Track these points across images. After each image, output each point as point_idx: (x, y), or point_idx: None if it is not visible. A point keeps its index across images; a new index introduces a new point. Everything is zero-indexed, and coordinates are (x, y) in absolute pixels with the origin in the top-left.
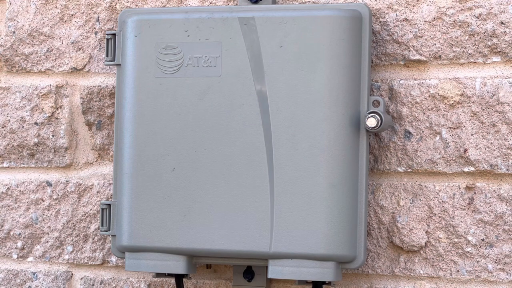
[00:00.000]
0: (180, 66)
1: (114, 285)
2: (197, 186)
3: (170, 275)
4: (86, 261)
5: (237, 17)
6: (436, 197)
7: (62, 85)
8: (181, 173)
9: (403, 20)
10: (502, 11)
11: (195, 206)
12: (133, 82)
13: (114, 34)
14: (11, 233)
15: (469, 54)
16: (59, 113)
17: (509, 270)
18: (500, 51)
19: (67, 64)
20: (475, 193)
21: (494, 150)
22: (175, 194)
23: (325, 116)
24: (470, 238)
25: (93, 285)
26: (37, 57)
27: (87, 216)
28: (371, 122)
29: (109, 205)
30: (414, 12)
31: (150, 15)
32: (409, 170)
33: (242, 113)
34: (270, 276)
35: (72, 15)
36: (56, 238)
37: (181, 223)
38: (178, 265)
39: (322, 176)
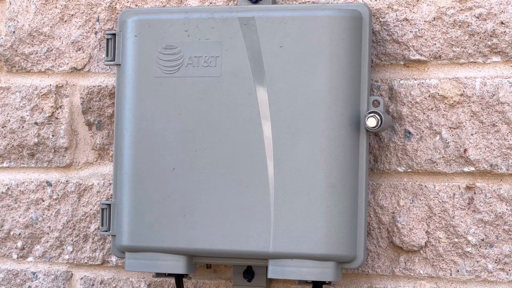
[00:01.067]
0: (180, 66)
1: (114, 285)
2: (197, 186)
3: (170, 275)
4: (86, 261)
5: (237, 17)
6: (436, 197)
7: (62, 85)
8: (181, 173)
9: (403, 20)
10: (502, 11)
11: (195, 206)
12: (133, 82)
13: (114, 34)
14: (11, 233)
15: (469, 54)
16: (59, 113)
17: (509, 270)
18: (500, 51)
19: (67, 64)
20: (475, 193)
21: (494, 150)
22: (175, 194)
23: (325, 116)
24: (470, 238)
25: (93, 285)
26: (37, 57)
27: (87, 216)
28: (371, 122)
29: (109, 205)
30: (414, 12)
31: (150, 15)
32: (409, 170)
33: (242, 113)
34: (270, 276)
35: (72, 15)
36: (56, 238)
37: (181, 223)
38: (178, 265)
39: (322, 176)
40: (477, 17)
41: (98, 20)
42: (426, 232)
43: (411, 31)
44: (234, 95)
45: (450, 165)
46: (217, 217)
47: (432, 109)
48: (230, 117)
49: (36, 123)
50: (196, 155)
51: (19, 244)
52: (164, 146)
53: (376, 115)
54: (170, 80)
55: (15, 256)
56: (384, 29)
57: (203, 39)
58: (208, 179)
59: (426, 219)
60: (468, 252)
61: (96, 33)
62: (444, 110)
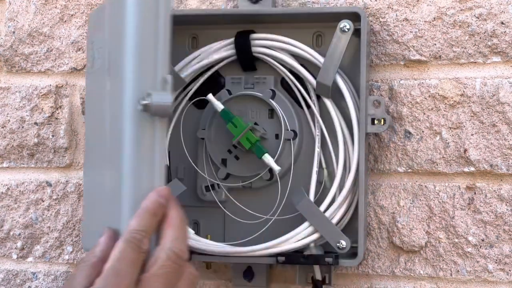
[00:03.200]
0: None
1: None
2: None
3: None
4: None
5: None
6: (436, 197)
7: (62, 85)
8: None
9: (403, 20)
10: (502, 11)
11: None
12: None
13: None
14: (11, 233)
15: (469, 54)
16: (59, 113)
17: (509, 270)
18: (500, 51)
19: (67, 64)
20: (475, 193)
21: (494, 150)
22: None
23: None
24: (470, 238)
25: None
26: (37, 57)
27: None
28: None
29: None
30: (414, 12)
31: None
32: (409, 170)
33: None
34: None
35: (72, 15)
36: (56, 238)
37: None
38: None
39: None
40: (477, 17)
41: None
42: (426, 232)
43: (411, 31)
44: None
45: (450, 165)
46: None
47: (432, 109)
48: None
49: (36, 123)
50: None
51: (19, 244)
52: None
53: None
54: None
55: (15, 256)
56: (384, 29)
57: None
58: None
59: (426, 219)
60: (468, 252)
61: None
62: (444, 110)
